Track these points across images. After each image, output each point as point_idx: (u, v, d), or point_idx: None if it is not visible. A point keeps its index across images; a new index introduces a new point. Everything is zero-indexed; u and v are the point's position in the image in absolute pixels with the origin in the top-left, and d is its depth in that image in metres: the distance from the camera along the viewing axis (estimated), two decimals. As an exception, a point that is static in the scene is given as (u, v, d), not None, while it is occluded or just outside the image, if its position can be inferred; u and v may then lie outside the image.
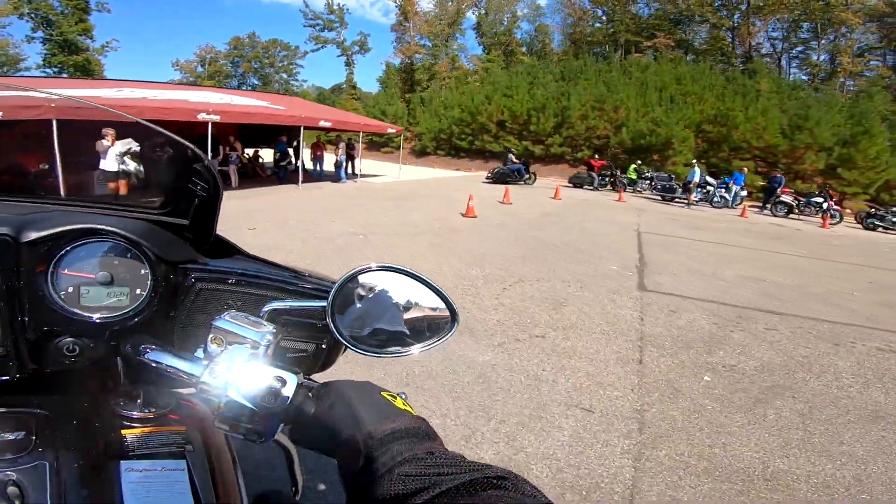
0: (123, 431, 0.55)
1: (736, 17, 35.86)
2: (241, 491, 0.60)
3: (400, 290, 0.58)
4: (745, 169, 18.82)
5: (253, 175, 15.02)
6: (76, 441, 0.51)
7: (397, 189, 14.33)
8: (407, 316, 0.59)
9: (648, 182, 20.13)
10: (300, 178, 13.34)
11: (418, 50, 42.49)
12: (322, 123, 14.36)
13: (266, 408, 0.47)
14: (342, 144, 15.90)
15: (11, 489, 0.43)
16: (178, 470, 0.52)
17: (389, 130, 18.71)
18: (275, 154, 15.44)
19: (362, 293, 0.58)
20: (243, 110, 12.80)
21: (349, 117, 17.23)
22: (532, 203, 12.67)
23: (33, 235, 0.53)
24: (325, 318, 0.58)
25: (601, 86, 25.29)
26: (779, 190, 18.18)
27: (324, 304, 0.58)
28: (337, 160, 15.46)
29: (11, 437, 0.48)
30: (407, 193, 13.04)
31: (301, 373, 0.51)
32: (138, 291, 0.59)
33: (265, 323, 0.56)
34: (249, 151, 16.92)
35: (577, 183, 19.88)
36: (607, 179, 19.68)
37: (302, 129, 13.70)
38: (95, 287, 0.57)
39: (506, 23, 43.55)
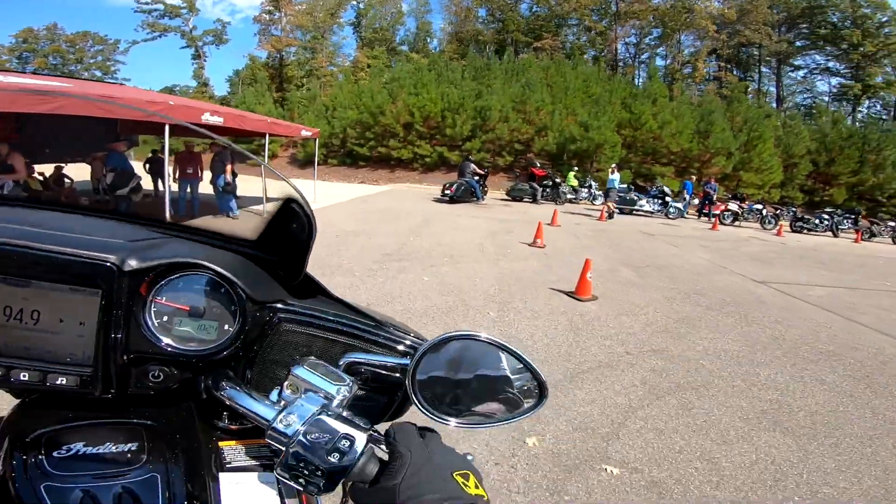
0: (220, 444, 0.56)
1: (604, 21, 37.88)
2: None
3: (487, 359, 0.57)
4: (693, 177, 17.86)
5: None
6: (181, 453, 0.52)
7: (338, 222, 8.78)
8: (492, 386, 0.57)
9: (588, 191, 18.14)
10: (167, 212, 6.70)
11: (292, 42, 35.94)
12: (207, 119, 8.01)
13: (331, 464, 0.46)
14: (225, 155, 9.88)
15: (127, 500, 0.45)
16: (269, 483, 0.53)
17: (304, 133, 12.95)
18: (102, 173, 8.30)
19: (447, 358, 0.57)
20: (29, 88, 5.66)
21: (247, 115, 10.78)
22: (557, 235, 8.62)
23: (136, 265, 0.53)
24: (404, 374, 0.58)
25: (518, 85, 22.88)
26: (714, 196, 17.61)
27: (404, 361, 0.58)
28: (227, 181, 9.28)
29: (125, 447, 0.50)
30: (362, 231, 7.97)
31: (370, 430, 0.50)
32: (226, 327, 0.58)
33: (343, 375, 0.55)
34: (45, 169, 9.91)
35: (516, 196, 16.69)
36: (548, 190, 16.88)
37: (167, 129, 6.89)
38: (187, 319, 0.57)
39: (389, 18, 39.66)
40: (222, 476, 0.52)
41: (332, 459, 0.46)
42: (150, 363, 0.56)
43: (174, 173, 8.76)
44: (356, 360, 0.60)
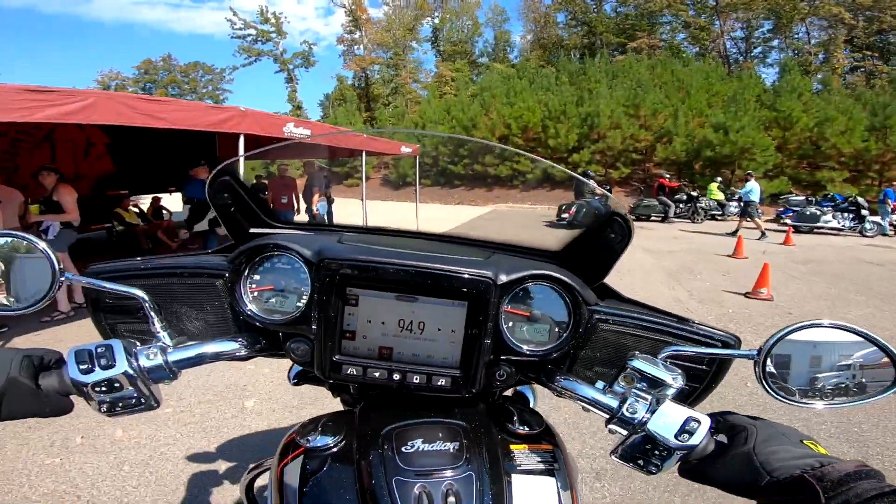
0: (511, 446, 0.60)
1: (703, 16, 33.53)
2: None
3: (828, 344, 0.56)
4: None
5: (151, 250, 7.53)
6: (487, 453, 0.56)
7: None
8: (836, 370, 0.56)
9: (738, 205, 14.83)
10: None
11: (375, 61, 36.08)
12: (292, 132, 5.63)
13: (681, 444, 0.50)
14: (319, 178, 8.31)
15: (451, 498, 0.50)
16: (550, 487, 0.57)
17: (404, 150, 10.99)
18: (184, 202, 7.49)
19: (794, 348, 0.56)
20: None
21: (337, 131, 9.12)
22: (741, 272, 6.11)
23: (506, 279, 0.60)
24: (710, 365, 0.65)
25: (626, 87, 20.13)
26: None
27: (727, 352, 0.62)
28: (314, 207, 7.82)
29: (451, 446, 0.56)
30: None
31: (710, 416, 0.52)
32: (558, 330, 0.63)
33: (673, 367, 0.56)
34: (143, 201, 9.37)
35: (642, 214, 13.72)
36: (682, 206, 13.75)
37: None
38: (528, 323, 0.63)
39: (467, 30, 38.56)
40: (514, 477, 0.56)
41: (681, 440, 0.50)
42: (500, 364, 0.62)
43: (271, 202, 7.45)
44: (676, 352, 0.59)
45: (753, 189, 11.41)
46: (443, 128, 21.73)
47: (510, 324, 0.62)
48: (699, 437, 0.50)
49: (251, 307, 0.62)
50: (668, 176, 14.45)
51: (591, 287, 0.71)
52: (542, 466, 0.59)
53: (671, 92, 20.21)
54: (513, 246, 0.81)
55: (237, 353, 0.62)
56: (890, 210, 12.62)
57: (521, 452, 0.60)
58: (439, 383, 0.60)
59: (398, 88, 34.04)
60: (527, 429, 0.63)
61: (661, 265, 7.16)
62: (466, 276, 0.58)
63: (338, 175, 22.91)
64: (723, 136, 16.34)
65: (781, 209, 14.41)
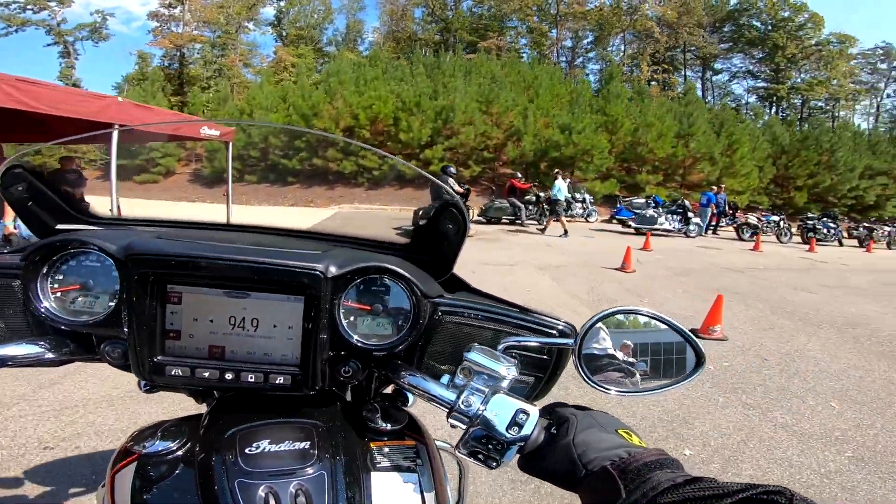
0: (371, 444, 0.59)
1: (545, 23, 36.09)
2: None
3: (641, 332, 0.60)
4: (715, 188, 15.07)
5: None
6: (343, 452, 0.55)
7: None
8: (648, 356, 0.59)
9: (582, 205, 14.88)
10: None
11: (197, 39, 29.59)
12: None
13: (511, 437, 0.49)
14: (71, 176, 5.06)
15: (301, 499, 0.48)
16: (411, 483, 0.56)
17: (207, 132, 6.79)
18: None
19: (601, 335, 0.59)
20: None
21: (108, 102, 4.91)
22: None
23: (337, 272, 0.57)
24: (550, 354, 0.66)
25: (482, 83, 19.31)
26: (725, 209, 15.19)
27: (563, 342, 0.62)
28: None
29: (300, 446, 0.54)
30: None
31: (537, 406, 0.53)
32: (400, 323, 0.62)
33: (507, 357, 0.57)
34: None
35: (492, 217, 12.51)
36: (531, 208, 12.81)
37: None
38: (369, 317, 0.61)
39: (318, 15, 34.52)
40: (373, 475, 0.55)
41: (512, 433, 0.49)
42: (342, 360, 0.60)
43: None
44: (512, 343, 0.61)
45: (561, 188, 11.07)
46: (275, 116, 18.06)
47: (351, 318, 0.60)
48: (528, 428, 0.50)
49: (47, 305, 0.57)
50: (519, 177, 13.53)
51: (440, 280, 0.71)
52: (404, 463, 0.58)
53: (519, 92, 20.13)
54: (359, 240, 0.78)
55: (43, 357, 0.57)
56: (710, 213, 13.81)
57: (381, 450, 0.59)
58: (277, 381, 0.57)
59: (223, 71, 28.53)
60: (389, 425, 0.61)
61: (567, 290, 5.47)
62: (296, 269, 0.56)
63: (127, 169, 17.34)
64: (567, 137, 16.47)
65: (615, 210, 14.91)
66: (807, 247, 12.63)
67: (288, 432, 0.55)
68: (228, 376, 0.56)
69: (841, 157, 22.25)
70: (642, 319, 0.59)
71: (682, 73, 40.03)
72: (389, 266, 0.61)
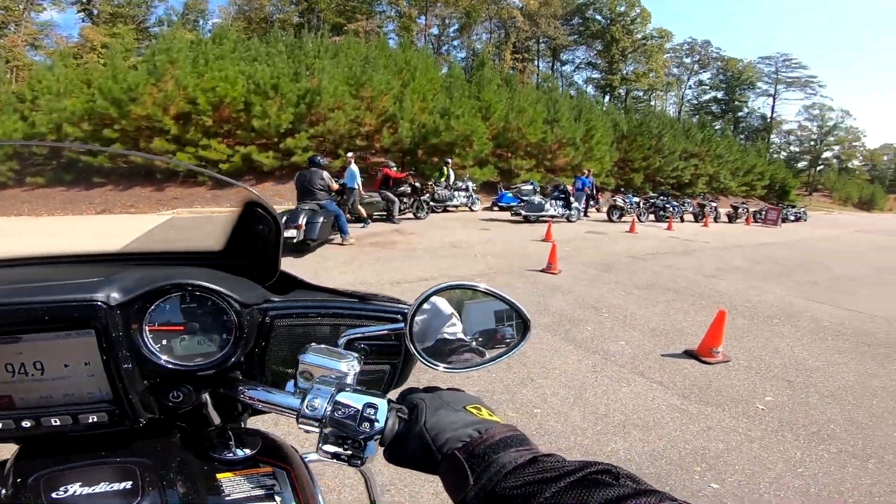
0: (218, 476, 0.54)
1: (414, 8, 34.89)
2: None
3: (473, 305, 0.60)
4: (586, 171, 15.59)
5: None
6: (178, 489, 0.50)
7: None
8: (481, 329, 0.60)
9: (466, 193, 14.11)
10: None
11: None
12: None
13: (363, 433, 0.48)
14: None
15: None
16: None
17: None
18: None
19: (436, 312, 0.59)
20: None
21: None
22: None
23: (122, 298, 0.52)
24: (400, 340, 0.63)
25: (354, 64, 17.04)
26: (593, 192, 15.93)
27: (399, 325, 0.59)
28: None
29: (119, 486, 0.49)
30: None
31: (386, 395, 0.51)
32: (225, 336, 0.57)
33: (347, 353, 0.56)
34: None
35: (359, 215, 9.79)
36: (405, 200, 11.13)
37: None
38: (186, 337, 0.56)
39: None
40: None
41: (364, 428, 0.48)
42: (165, 387, 0.55)
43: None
44: (352, 335, 0.59)
45: (355, 174, 9.10)
46: (74, 101, 13.38)
47: (163, 341, 0.55)
48: (380, 421, 0.48)
49: None
50: (393, 165, 11.61)
51: (267, 283, 0.67)
52: (258, 492, 0.52)
53: (392, 75, 18.49)
54: (162, 254, 0.70)
55: None
56: (586, 196, 14.26)
57: (229, 481, 0.53)
58: (91, 420, 0.51)
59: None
60: (240, 452, 0.56)
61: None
62: (67, 304, 0.49)
63: None
64: (447, 122, 15.53)
65: (497, 196, 14.60)
66: (664, 225, 13.91)
67: (104, 472, 0.50)
68: (26, 424, 0.50)
69: (666, 142, 25.83)
70: (471, 293, 0.59)
71: (536, 62, 42.87)
72: (188, 281, 0.55)
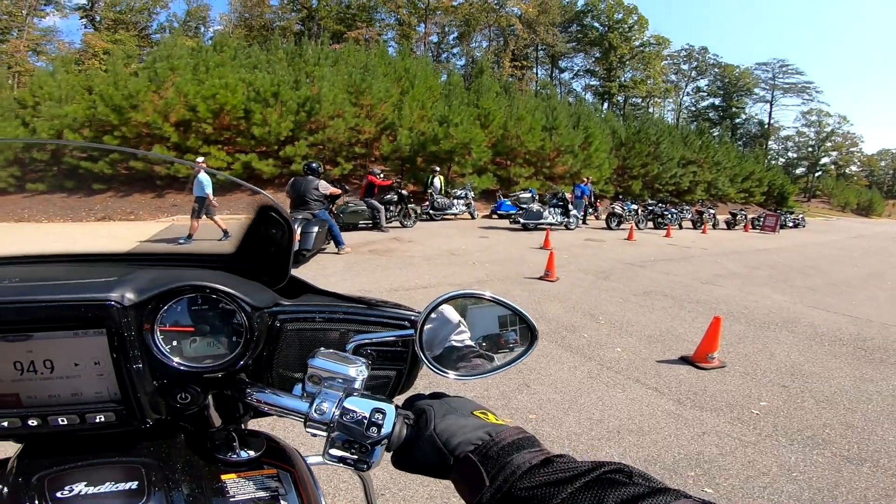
0: (223, 477, 0.54)
1: (414, 16, 35.25)
2: None
3: (476, 310, 0.61)
4: (586, 179, 15.72)
5: None
6: (183, 490, 0.50)
7: None
8: (485, 334, 0.60)
9: (464, 202, 14.18)
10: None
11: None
12: None
13: (371, 438, 0.48)
14: None
15: None
16: None
17: None
18: None
19: (444, 320, 0.59)
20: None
21: None
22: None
23: (136, 298, 0.52)
24: (406, 346, 0.63)
25: (354, 71, 17.17)
26: (592, 199, 15.99)
27: (408, 332, 0.59)
28: None
29: (125, 486, 0.48)
30: None
31: (393, 401, 0.51)
32: (234, 339, 0.58)
33: (356, 358, 0.56)
34: None
35: (349, 222, 9.95)
36: (392, 208, 11.01)
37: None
38: (196, 339, 0.56)
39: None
40: None
41: (372, 433, 0.48)
42: (174, 388, 0.55)
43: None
44: (361, 341, 0.60)
45: (206, 182, 7.74)
46: (73, 108, 13.52)
47: (174, 342, 0.55)
48: (388, 426, 0.48)
49: None
50: (379, 173, 11.36)
51: (277, 287, 0.67)
52: (262, 494, 0.52)
53: (391, 83, 18.62)
54: (174, 256, 0.70)
55: None
56: (585, 204, 14.32)
57: (234, 482, 0.52)
58: (97, 420, 0.51)
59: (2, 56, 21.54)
60: (244, 455, 0.56)
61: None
62: (82, 303, 0.49)
63: None
64: (445, 130, 15.62)
65: (496, 204, 14.65)
66: (662, 232, 13.94)
67: (110, 472, 0.49)
68: (33, 422, 0.50)
69: (664, 149, 25.92)
70: (481, 302, 0.59)
71: (535, 70, 43.20)
72: (201, 283, 0.55)
